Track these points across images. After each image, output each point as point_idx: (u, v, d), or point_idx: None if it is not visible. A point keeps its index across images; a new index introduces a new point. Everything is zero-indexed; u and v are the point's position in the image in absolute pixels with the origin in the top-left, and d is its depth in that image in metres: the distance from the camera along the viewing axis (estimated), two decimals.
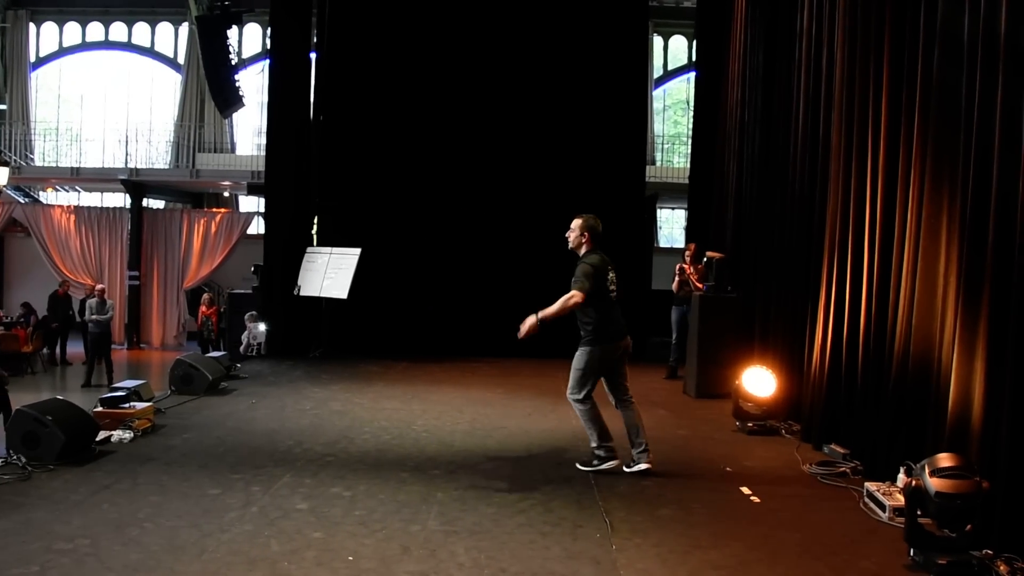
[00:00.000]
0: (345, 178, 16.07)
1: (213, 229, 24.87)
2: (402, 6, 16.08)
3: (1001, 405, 5.22)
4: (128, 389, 9.06)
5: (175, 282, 24.92)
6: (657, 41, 26.58)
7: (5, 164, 22.44)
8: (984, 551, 4.97)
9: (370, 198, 15.86)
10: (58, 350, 21.38)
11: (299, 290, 14.79)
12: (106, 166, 25.55)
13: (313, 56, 16.35)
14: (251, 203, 27.13)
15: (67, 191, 28.25)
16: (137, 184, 24.73)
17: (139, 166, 25.60)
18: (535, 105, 15.68)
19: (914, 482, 5.11)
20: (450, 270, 15.47)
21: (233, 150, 27.08)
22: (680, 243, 22.26)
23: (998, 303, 5.31)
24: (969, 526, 5.03)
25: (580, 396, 7.16)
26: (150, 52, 28.18)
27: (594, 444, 7.23)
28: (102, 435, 7.75)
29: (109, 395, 8.83)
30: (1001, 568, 4.78)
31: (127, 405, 8.58)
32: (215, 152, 26.49)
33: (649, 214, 21.32)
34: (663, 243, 26.60)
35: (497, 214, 15.40)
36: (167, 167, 26.84)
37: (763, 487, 6.86)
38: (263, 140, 18.80)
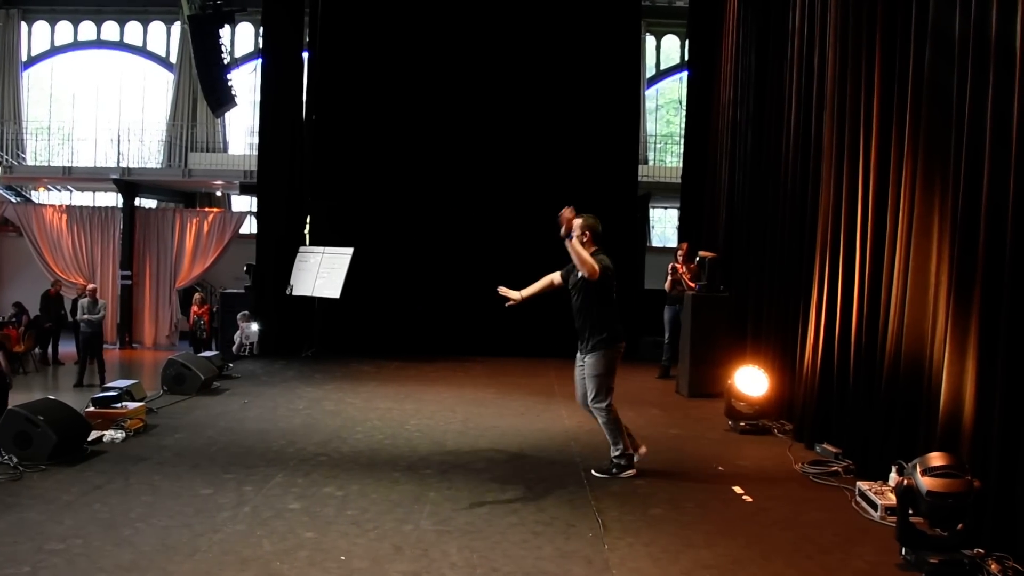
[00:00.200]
0: (338, 177, 16.07)
1: (205, 229, 24.80)
2: (395, 6, 16.07)
3: (992, 404, 5.23)
4: (120, 389, 9.04)
5: (167, 282, 24.84)
6: (650, 40, 26.57)
7: None
8: (975, 550, 4.99)
9: (363, 197, 15.86)
10: (50, 350, 21.31)
11: (291, 290, 14.77)
12: (98, 165, 25.47)
13: (306, 55, 16.34)
14: (243, 203, 27.05)
15: (59, 190, 28.18)
16: (129, 183, 24.65)
17: (131, 165, 25.52)
18: (528, 104, 15.68)
19: (906, 481, 5.12)
20: (443, 269, 15.46)
21: (225, 149, 27.03)
22: (673, 242, 22.28)
23: (989, 301, 5.32)
24: (960, 525, 5.04)
25: (606, 403, 7.05)
26: (142, 51, 28.09)
27: (617, 453, 7.13)
28: (94, 435, 7.74)
29: (101, 395, 8.82)
30: (992, 567, 4.79)
31: (119, 405, 8.58)
32: (207, 151, 26.43)
33: (642, 213, 21.34)
34: (656, 242, 26.60)
35: (489, 213, 15.40)
36: (159, 166, 26.75)
37: (755, 486, 6.86)
38: (256, 139, 18.79)
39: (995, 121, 5.30)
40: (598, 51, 15.88)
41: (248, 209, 25.54)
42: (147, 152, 27.24)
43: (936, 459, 5.07)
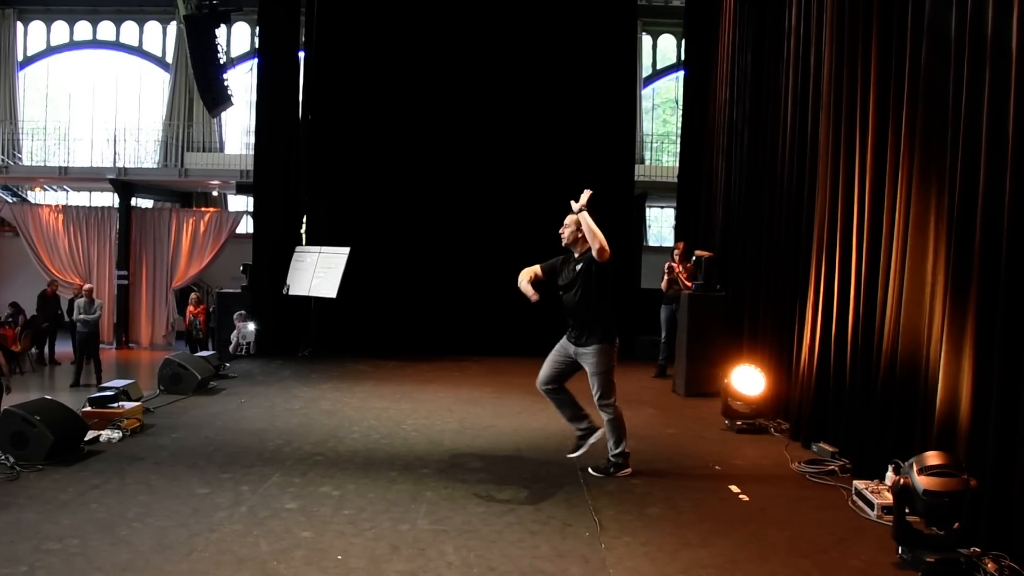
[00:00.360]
0: (334, 177, 16.07)
1: (202, 228, 24.82)
2: (391, 5, 16.07)
3: (989, 403, 5.24)
4: (117, 389, 9.02)
5: (164, 281, 24.85)
6: (646, 40, 26.61)
7: None
8: (972, 549, 5.00)
9: (359, 197, 15.85)
10: (47, 350, 21.31)
11: (288, 289, 14.77)
12: (94, 165, 25.48)
13: (302, 55, 16.33)
14: (240, 202, 27.05)
15: (55, 190, 28.17)
16: (125, 183, 24.67)
17: (127, 165, 25.53)
18: (524, 104, 15.69)
19: (902, 480, 5.12)
20: (439, 269, 15.46)
21: (222, 149, 27.03)
22: (669, 242, 22.27)
23: (985, 301, 5.33)
24: (957, 524, 5.05)
25: (613, 400, 7.05)
26: (138, 51, 28.08)
27: (617, 451, 7.11)
28: (91, 435, 7.73)
29: (98, 395, 8.80)
30: (989, 566, 4.80)
31: (116, 405, 8.56)
32: (204, 151, 26.43)
33: (638, 213, 21.31)
34: (652, 242, 26.61)
35: (486, 213, 15.41)
36: (155, 166, 26.76)
37: (752, 485, 6.87)
38: (252, 139, 18.76)
39: (991, 120, 5.31)
40: (594, 50, 15.88)
41: (244, 209, 25.55)
42: (143, 152, 27.25)
43: (932, 458, 5.07)
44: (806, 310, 8.59)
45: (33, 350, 20.83)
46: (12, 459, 6.81)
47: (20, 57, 27.65)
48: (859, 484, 6.43)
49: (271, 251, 15.30)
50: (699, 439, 8.73)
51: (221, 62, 21.11)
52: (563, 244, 7.19)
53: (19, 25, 27.55)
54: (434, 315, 15.38)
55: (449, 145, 15.77)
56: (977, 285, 5.41)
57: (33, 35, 27.97)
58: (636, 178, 17.45)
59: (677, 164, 17.74)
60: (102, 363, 18.02)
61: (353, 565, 4.96)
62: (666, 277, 12.43)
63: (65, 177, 25.58)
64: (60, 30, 27.95)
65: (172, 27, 26.94)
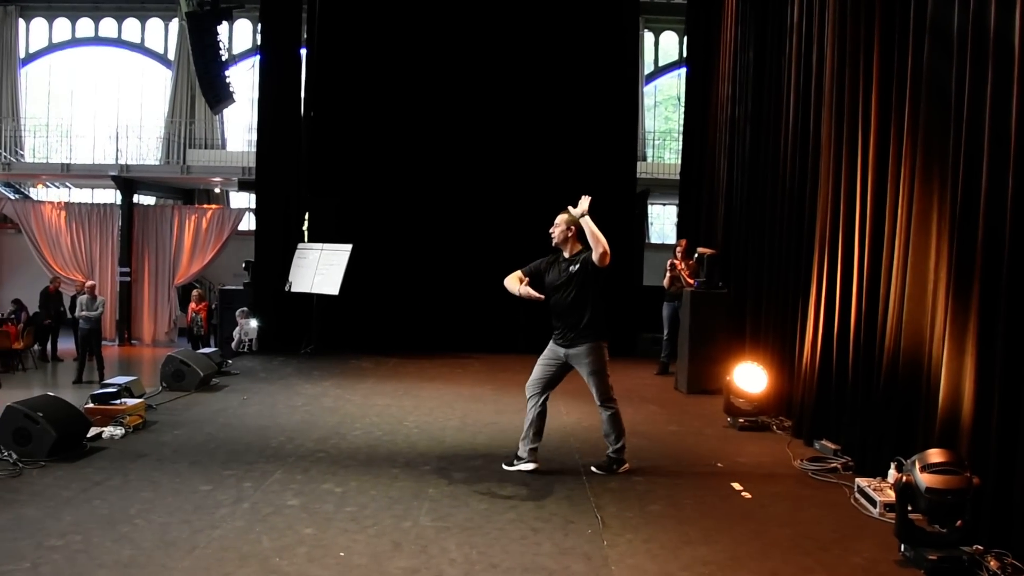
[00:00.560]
0: (336, 174, 16.06)
1: (204, 225, 24.81)
2: (392, 3, 16.06)
3: (991, 401, 5.24)
4: (119, 385, 9.03)
5: (166, 278, 24.86)
6: (648, 37, 26.60)
7: None
8: (974, 547, 4.99)
9: (361, 194, 15.85)
10: (49, 346, 21.32)
11: (290, 286, 14.77)
12: (96, 162, 25.49)
13: (304, 52, 16.34)
14: (242, 199, 27.07)
15: (57, 187, 28.17)
16: (128, 180, 24.67)
17: (130, 162, 25.54)
18: (526, 101, 15.68)
19: (905, 478, 5.12)
20: (441, 266, 15.46)
21: (224, 146, 27.05)
22: (671, 239, 22.31)
23: (988, 298, 5.33)
24: (960, 522, 5.05)
25: (614, 396, 7.06)
26: (140, 48, 28.11)
27: (616, 447, 7.10)
28: (93, 431, 7.73)
29: (100, 391, 8.81)
30: (991, 563, 4.79)
31: (118, 401, 8.56)
32: (206, 148, 26.45)
33: (640, 210, 21.32)
34: (654, 239, 26.63)
35: (487, 210, 15.40)
36: (158, 163, 26.77)
37: (754, 483, 6.87)
38: (254, 136, 18.79)
39: (993, 117, 5.30)
40: (597, 47, 15.89)
41: (246, 206, 25.55)
42: (145, 149, 27.26)
43: (935, 455, 5.07)
44: (808, 307, 8.58)
45: (35, 347, 20.84)
46: (15, 455, 6.83)
47: (22, 54, 27.68)
48: (861, 482, 6.43)
49: (273, 248, 15.31)
50: (701, 436, 8.73)
51: (223, 59, 21.13)
52: (553, 244, 7.15)
53: (21, 22, 27.58)
54: (436, 312, 15.38)
55: (451, 142, 15.77)
56: (979, 282, 5.40)
57: (35, 32, 27.99)
58: (638, 175, 17.44)
59: (679, 161, 17.73)
60: (104, 360, 18.01)
61: (355, 562, 4.96)
62: (668, 274, 12.43)
63: (67, 174, 25.59)
64: (62, 27, 27.97)
65: (174, 24, 26.95)
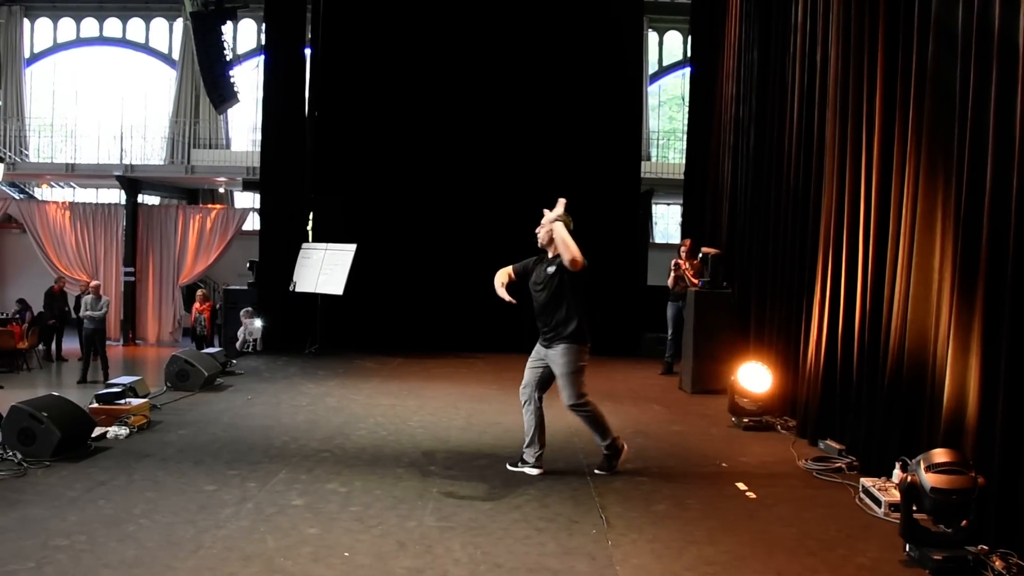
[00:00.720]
0: (340, 174, 16.08)
1: (208, 225, 24.83)
2: (396, 3, 16.06)
3: (996, 400, 5.23)
4: (124, 385, 9.03)
5: (170, 278, 24.89)
6: (652, 36, 26.58)
7: (0, 160, 22.44)
8: (980, 547, 4.98)
9: (365, 194, 15.86)
10: (54, 346, 21.35)
11: (294, 286, 14.79)
12: (101, 162, 25.51)
13: (308, 52, 16.35)
14: (246, 199, 27.09)
15: (62, 187, 28.22)
16: (132, 180, 24.70)
17: (134, 162, 25.55)
18: (531, 101, 15.68)
19: (910, 478, 5.11)
20: (445, 266, 15.45)
21: (228, 146, 27.08)
22: (676, 239, 22.26)
23: (993, 297, 5.32)
24: (965, 522, 5.04)
25: (583, 399, 6.97)
26: (145, 48, 28.14)
27: (605, 443, 7.06)
28: (98, 431, 7.74)
29: (105, 391, 8.81)
30: (996, 564, 4.79)
31: (123, 401, 8.57)
32: (210, 148, 26.49)
33: (644, 210, 21.37)
34: (658, 239, 26.63)
35: (492, 209, 15.38)
36: (162, 163, 26.80)
37: (758, 483, 6.86)
38: (258, 136, 18.79)
39: (998, 116, 5.29)
40: (601, 47, 15.88)
41: (251, 205, 25.57)
42: (150, 149, 27.30)
43: (940, 455, 5.06)
44: (813, 307, 8.58)
45: (40, 347, 20.87)
46: (19, 455, 6.83)
47: (27, 54, 27.73)
48: (866, 481, 6.42)
49: (278, 248, 15.33)
50: (706, 436, 8.73)
51: (228, 59, 21.13)
52: (538, 244, 7.15)
53: (26, 22, 27.63)
54: (440, 312, 15.36)
55: (456, 142, 15.76)
56: (984, 282, 5.39)
57: (40, 32, 28.04)
58: (642, 175, 17.41)
59: (683, 161, 17.72)
60: (109, 360, 18.04)
61: (360, 562, 4.96)
62: (673, 274, 12.41)
63: (72, 174, 25.64)
64: (67, 27, 28.01)
65: (179, 24, 26.99)
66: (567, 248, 6.70)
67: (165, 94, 27.79)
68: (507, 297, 7.06)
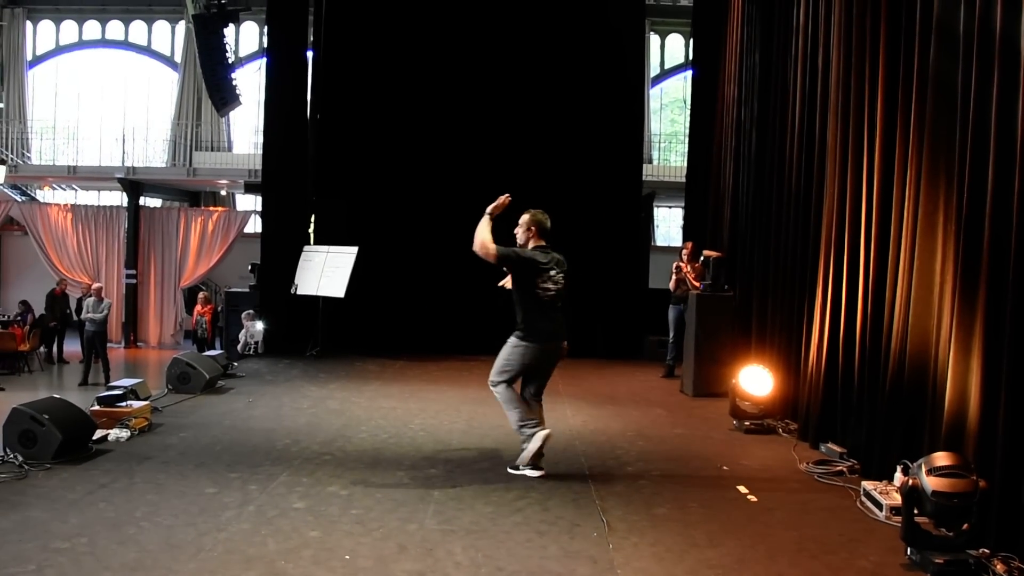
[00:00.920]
0: (342, 176, 16.09)
1: (210, 227, 24.84)
2: (398, 5, 16.08)
3: (998, 403, 5.23)
4: (125, 388, 9.03)
5: (172, 281, 24.89)
6: (654, 39, 26.56)
7: (2, 162, 22.50)
8: (981, 550, 4.97)
9: (367, 196, 15.86)
10: (55, 349, 21.36)
11: (296, 289, 14.79)
12: (103, 164, 25.51)
13: (310, 54, 16.36)
14: (248, 201, 27.10)
15: (64, 189, 28.22)
16: (134, 182, 24.70)
17: (136, 164, 25.55)
18: (532, 104, 15.68)
19: (911, 481, 5.11)
20: (446, 269, 15.42)
21: (230, 148, 27.08)
22: (677, 242, 22.24)
23: (994, 301, 5.32)
24: (966, 525, 5.03)
25: (498, 383, 7.18)
26: (147, 50, 28.15)
27: (518, 427, 7.15)
28: (99, 434, 7.74)
29: (106, 394, 8.80)
30: (998, 567, 4.78)
31: (124, 404, 8.57)
32: (212, 150, 26.50)
33: (646, 212, 21.37)
34: (660, 241, 26.60)
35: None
36: (164, 165, 26.81)
37: (760, 486, 6.86)
38: (260, 138, 18.81)
39: (1000, 119, 5.29)
40: (602, 50, 15.88)
41: (253, 208, 25.59)
42: (152, 151, 27.31)
43: (941, 459, 5.06)
44: (814, 310, 8.58)
45: (41, 349, 20.88)
46: (20, 458, 6.82)
47: (29, 56, 27.73)
48: (868, 485, 6.42)
49: (279, 250, 15.34)
50: (707, 439, 8.72)
51: (230, 61, 21.11)
52: (518, 243, 7.40)
53: (28, 24, 27.63)
54: (442, 315, 15.36)
55: (457, 145, 15.76)
56: (986, 285, 5.39)
57: (42, 34, 28.05)
58: (644, 178, 17.40)
59: (685, 164, 17.71)
60: (110, 362, 18.04)
61: (361, 565, 4.96)
62: (674, 277, 12.41)
63: (74, 176, 25.65)
64: (69, 29, 28.02)
65: (181, 26, 26.99)
66: (476, 239, 7.29)
67: (167, 96, 27.78)
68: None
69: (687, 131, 18.23)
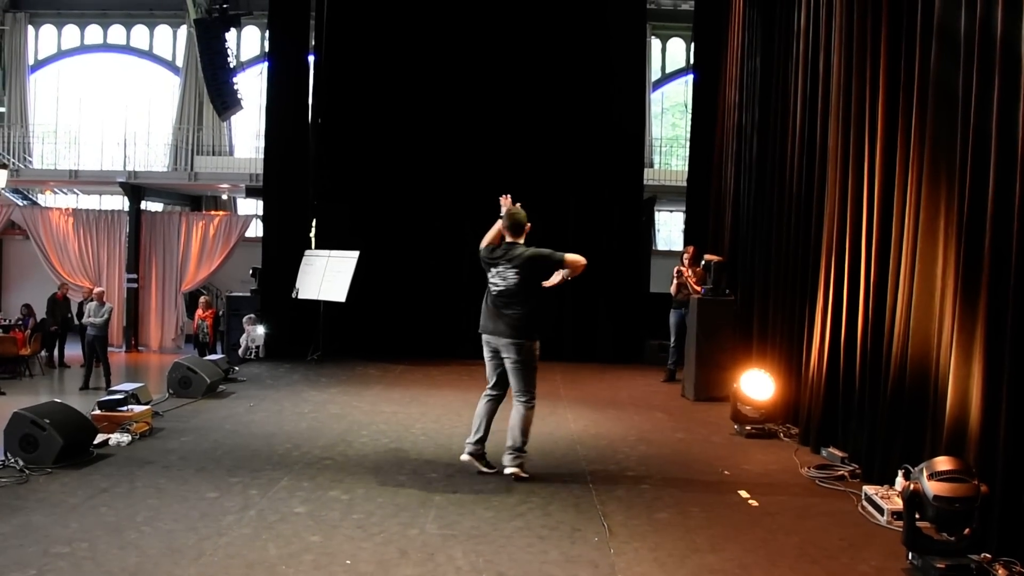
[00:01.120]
0: (343, 181, 16.09)
1: (211, 232, 24.83)
2: (400, 10, 16.09)
3: (999, 408, 5.22)
4: (126, 392, 9.04)
5: (173, 285, 24.87)
6: (655, 43, 26.54)
7: (4, 166, 22.44)
8: (982, 555, 4.97)
9: (368, 200, 15.87)
10: (56, 353, 21.34)
11: (297, 293, 14.80)
12: (104, 169, 25.50)
13: (311, 59, 16.37)
14: (249, 206, 27.07)
15: (65, 194, 28.21)
16: (135, 187, 24.68)
17: (137, 169, 25.54)
18: (534, 108, 15.70)
19: (912, 486, 5.11)
20: (447, 273, 15.47)
21: (231, 153, 27.06)
22: (678, 246, 22.23)
23: (995, 305, 5.32)
24: (968, 530, 5.02)
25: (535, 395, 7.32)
26: (148, 55, 28.14)
27: (522, 445, 7.20)
28: (100, 438, 7.75)
29: (107, 398, 8.80)
30: (1000, 572, 4.78)
31: (125, 408, 8.56)
32: (213, 155, 26.47)
33: (647, 216, 21.33)
34: (661, 246, 26.58)
35: (494, 217, 15.35)
36: (165, 170, 26.78)
37: (761, 491, 6.86)
38: (261, 143, 18.81)
39: (1001, 124, 5.30)
40: (604, 54, 15.90)
41: (254, 212, 25.56)
42: (153, 155, 27.28)
43: (943, 463, 5.05)
44: (815, 314, 8.57)
45: (42, 353, 20.87)
46: (21, 462, 6.83)
47: (31, 61, 27.69)
48: (869, 489, 6.42)
49: (280, 255, 15.34)
50: (708, 444, 8.71)
51: (231, 66, 21.13)
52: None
53: (30, 29, 27.62)
54: (443, 319, 15.36)
55: (458, 149, 15.78)
56: (987, 290, 5.39)
57: (44, 39, 28.03)
58: (645, 182, 17.39)
59: (686, 168, 17.70)
60: (111, 366, 18.03)
61: (362, 569, 4.96)
62: (675, 281, 12.42)
63: (75, 180, 25.63)
64: (71, 34, 28.01)
65: (182, 31, 27.00)
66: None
67: (169, 101, 27.76)
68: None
69: (688, 135, 18.23)
